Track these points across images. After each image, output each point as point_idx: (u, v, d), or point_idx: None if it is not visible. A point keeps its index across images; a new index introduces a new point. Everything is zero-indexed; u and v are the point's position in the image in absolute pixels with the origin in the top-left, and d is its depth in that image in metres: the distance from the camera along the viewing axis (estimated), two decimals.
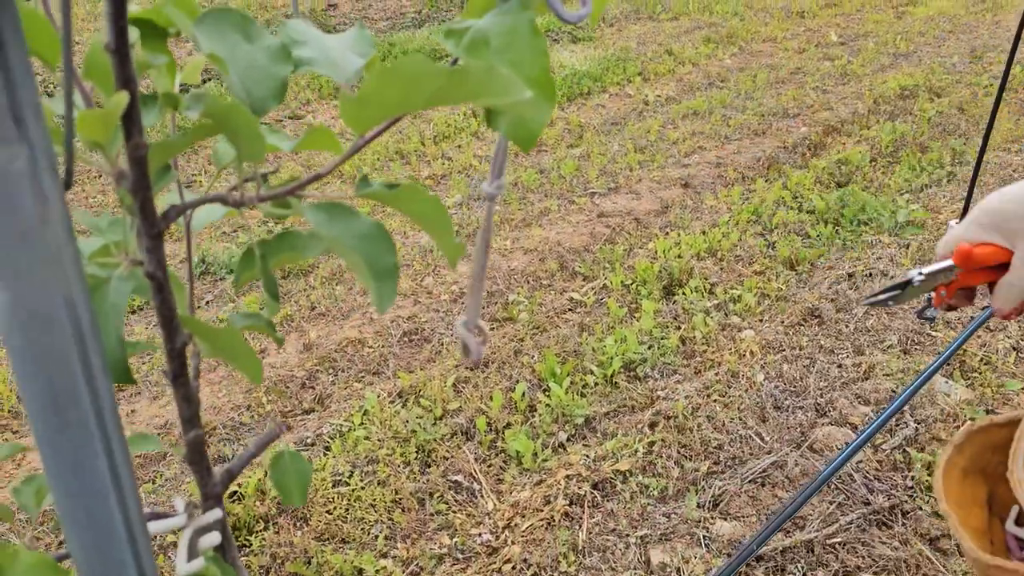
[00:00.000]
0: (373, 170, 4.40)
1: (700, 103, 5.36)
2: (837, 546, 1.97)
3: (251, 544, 2.05)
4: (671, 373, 2.66)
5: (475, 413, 2.48)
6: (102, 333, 0.45)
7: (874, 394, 2.48)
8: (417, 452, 2.34)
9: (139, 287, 0.49)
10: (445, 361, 2.76)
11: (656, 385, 2.59)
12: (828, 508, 2.09)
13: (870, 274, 3.19)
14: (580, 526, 2.08)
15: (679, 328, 2.89)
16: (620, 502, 2.14)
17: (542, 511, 2.12)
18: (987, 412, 2.39)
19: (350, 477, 2.25)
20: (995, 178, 4.01)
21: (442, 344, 2.87)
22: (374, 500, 2.17)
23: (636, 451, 2.29)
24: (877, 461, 2.23)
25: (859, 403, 2.46)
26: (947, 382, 2.52)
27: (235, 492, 2.20)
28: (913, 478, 2.16)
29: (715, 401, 2.49)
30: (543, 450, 2.33)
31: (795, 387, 2.55)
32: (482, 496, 2.19)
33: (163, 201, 0.57)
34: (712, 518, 2.08)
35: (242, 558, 2.04)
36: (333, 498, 2.18)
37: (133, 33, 0.48)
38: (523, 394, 2.52)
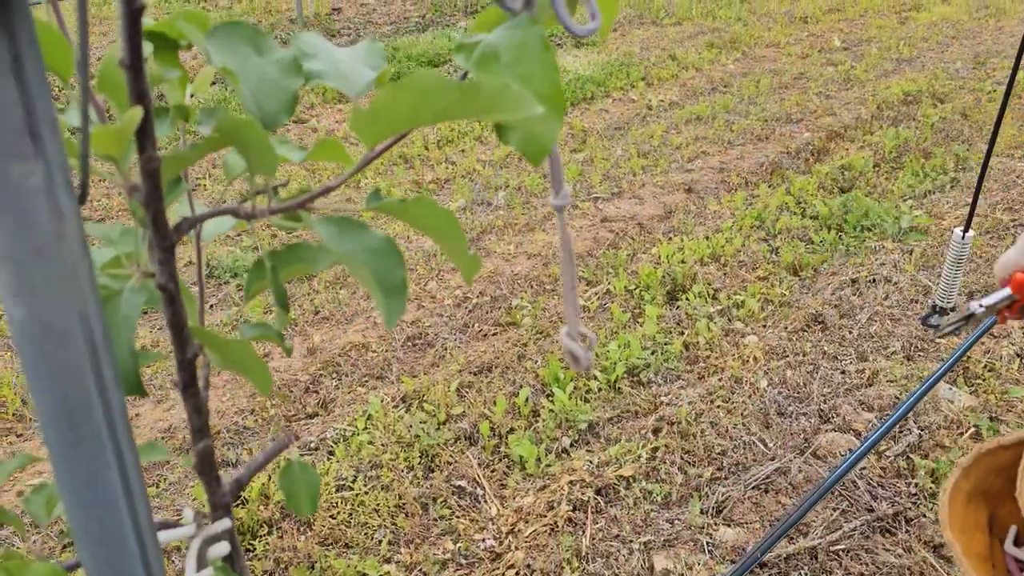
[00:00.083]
0: (377, 174, 4.41)
1: (703, 108, 5.36)
2: (841, 553, 1.97)
3: (255, 549, 2.05)
4: (674, 378, 2.66)
5: (478, 418, 2.48)
6: (114, 345, 0.45)
7: (878, 400, 2.48)
8: (421, 457, 2.34)
9: (150, 299, 0.50)
10: (448, 366, 2.76)
11: (659, 391, 2.59)
12: (832, 515, 2.08)
13: (873, 280, 3.18)
14: (584, 532, 2.08)
15: (682, 333, 2.89)
16: (624, 508, 2.14)
17: (545, 516, 2.12)
18: (991, 419, 2.38)
19: (354, 482, 2.25)
20: (998, 184, 4.01)
21: (445, 349, 2.87)
22: (378, 505, 2.18)
23: (639, 457, 2.29)
24: (881, 468, 2.23)
25: (863, 409, 2.46)
26: (951, 388, 2.51)
27: (239, 496, 2.21)
28: (917, 485, 2.16)
29: (718, 407, 2.49)
30: (547, 455, 2.33)
31: (798, 393, 2.55)
32: (485, 501, 2.19)
33: (173, 211, 0.57)
34: (716, 524, 2.07)
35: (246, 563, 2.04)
36: (337, 503, 2.19)
37: (146, 47, 0.49)
38: (526, 399, 2.52)
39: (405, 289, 0.44)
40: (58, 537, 2.07)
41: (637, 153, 4.64)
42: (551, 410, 2.48)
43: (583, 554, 2.01)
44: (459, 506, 2.18)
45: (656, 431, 2.40)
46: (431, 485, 2.24)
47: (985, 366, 2.61)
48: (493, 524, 2.11)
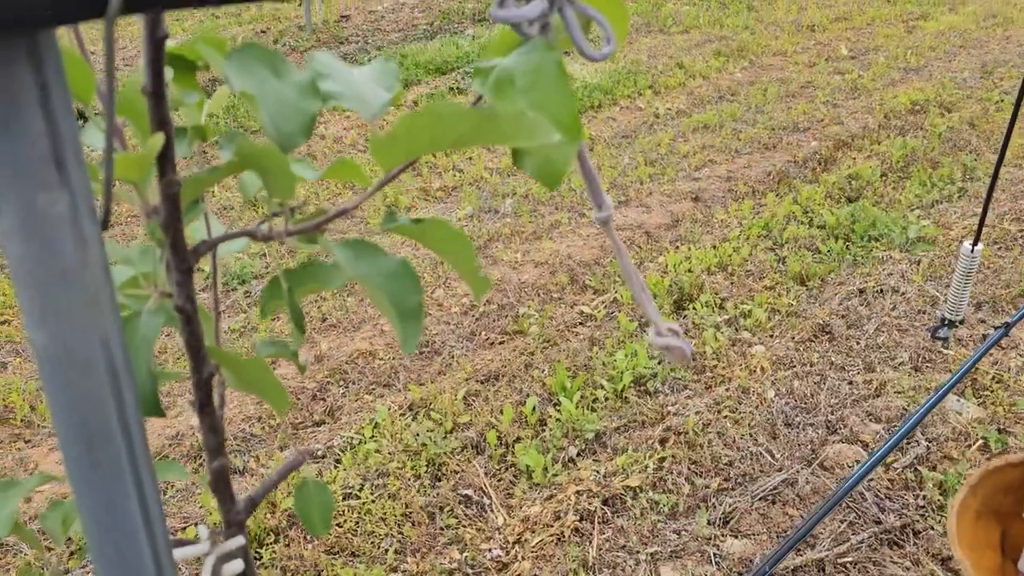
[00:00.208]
0: None
1: (710, 116, 5.36)
2: (848, 565, 1.97)
3: (262, 557, 2.06)
4: (681, 388, 2.65)
5: (485, 427, 2.48)
6: (133, 367, 0.46)
7: (885, 412, 2.47)
8: (427, 466, 2.34)
9: (168, 319, 0.50)
10: (455, 374, 2.76)
11: (666, 400, 2.59)
12: (839, 527, 2.08)
13: (881, 290, 3.18)
14: (590, 542, 2.07)
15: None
16: (630, 518, 2.14)
17: (552, 526, 2.11)
18: (999, 431, 2.38)
19: (360, 490, 2.25)
20: (1006, 194, 4.00)
21: (452, 357, 2.87)
22: (384, 514, 2.18)
23: (646, 467, 2.29)
24: (888, 480, 2.22)
25: (870, 421, 2.45)
26: (959, 400, 2.51)
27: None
28: (925, 497, 2.15)
29: (725, 417, 2.49)
30: (553, 465, 2.33)
31: (806, 404, 2.55)
32: (492, 511, 2.19)
33: (191, 230, 0.57)
34: (723, 535, 2.07)
35: None
36: (343, 511, 2.19)
37: (167, 72, 0.49)
38: (533, 408, 2.52)
39: (422, 313, 0.45)
40: (65, 544, 2.08)
41: (644, 161, 4.64)
42: (558, 419, 2.48)
43: (590, 565, 2.00)
44: (466, 515, 2.18)
45: (663, 441, 2.40)
46: (438, 494, 2.24)
47: (993, 378, 2.60)
48: (500, 534, 2.11)
